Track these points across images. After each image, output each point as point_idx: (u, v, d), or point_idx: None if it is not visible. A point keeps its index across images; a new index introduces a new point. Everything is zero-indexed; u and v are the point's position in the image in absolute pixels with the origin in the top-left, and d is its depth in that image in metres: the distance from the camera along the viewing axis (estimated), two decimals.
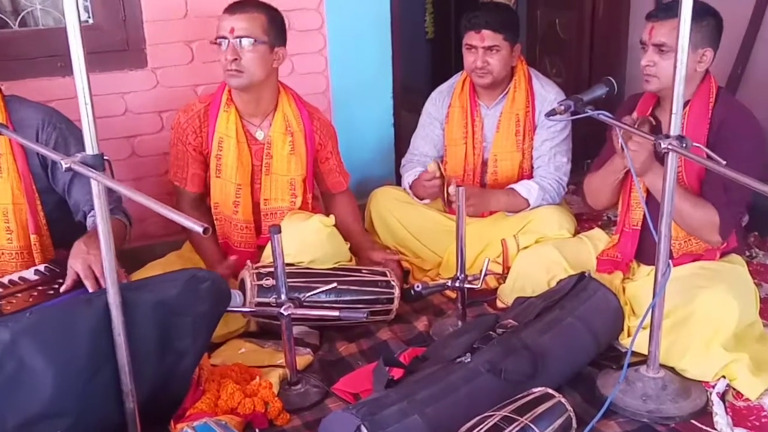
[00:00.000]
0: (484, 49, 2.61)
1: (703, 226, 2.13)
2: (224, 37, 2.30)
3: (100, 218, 1.60)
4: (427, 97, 2.96)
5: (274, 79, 2.45)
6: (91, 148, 1.56)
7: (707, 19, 2.12)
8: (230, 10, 2.33)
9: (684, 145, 1.75)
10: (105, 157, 1.57)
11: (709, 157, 1.77)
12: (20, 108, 2.12)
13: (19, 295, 1.90)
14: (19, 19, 2.72)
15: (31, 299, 1.87)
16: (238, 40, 2.28)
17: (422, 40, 5.45)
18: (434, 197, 2.74)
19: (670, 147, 1.75)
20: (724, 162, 1.70)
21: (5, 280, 1.99)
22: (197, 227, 1.34)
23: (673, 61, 2.08)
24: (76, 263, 1.86)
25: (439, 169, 2.62)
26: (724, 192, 2.11)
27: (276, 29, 2.36)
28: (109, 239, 1.62)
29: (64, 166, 1.54)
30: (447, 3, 5.28)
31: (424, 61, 5.48)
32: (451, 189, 2.58)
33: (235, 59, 2.29)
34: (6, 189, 2.09)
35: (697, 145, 1.84)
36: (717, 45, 2.18)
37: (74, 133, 2.11)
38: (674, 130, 1.78)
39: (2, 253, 2.13)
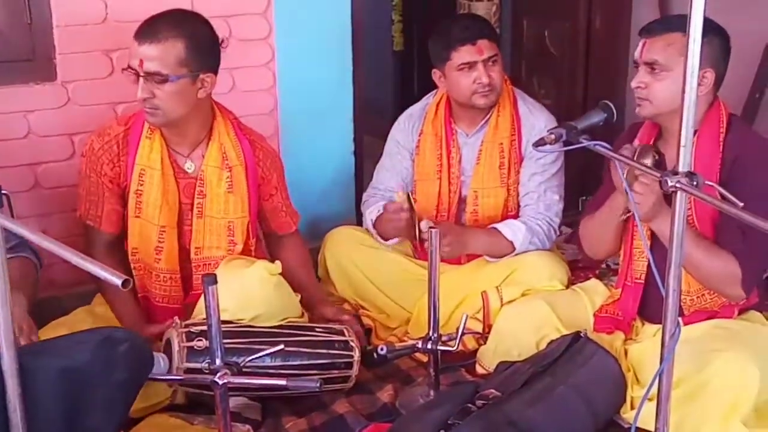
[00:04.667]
0: (484, 62, 2.65)
1: (722, 278, 2.17)
2: (134, 70, 2.27)
3: None
4: (394, 119, 3.00)
5: (205, 105, 2.42)
6: None
7: (709, 37, 2.17)
8: (140, 35, 2.26)
9: (695, 183, 1.78)
10: (3, 191, 1.55)
11: (723, 197, 1.81)
12: None
13: None
14: None
15: None
16: (148, 75, 2.24)
17: (389, 52, 5.52)
18: (402, 235, 2.74)
19: (678, 185, 1.78)
20: (741, 204, 1.74)
21: None
22: (115, 279, 1.33)
23: (665, 82, 2.17)
24: None
25: (409, 200, 2.63)
26: (744, 239, 2.15)
27: (199, 53, 2.30)
28: (5, 290, 1.58)
29: None
30: (418, 11, 5.38)
31: (390, 76, 5.55)
32: (423, 224, 2.59)
33: (148, 98, 2.26)
34: None
35: (710, 183, 1.87)
36: (722, 67, 2.25)
37: None
38: (683, 165, 1.81)
39: None
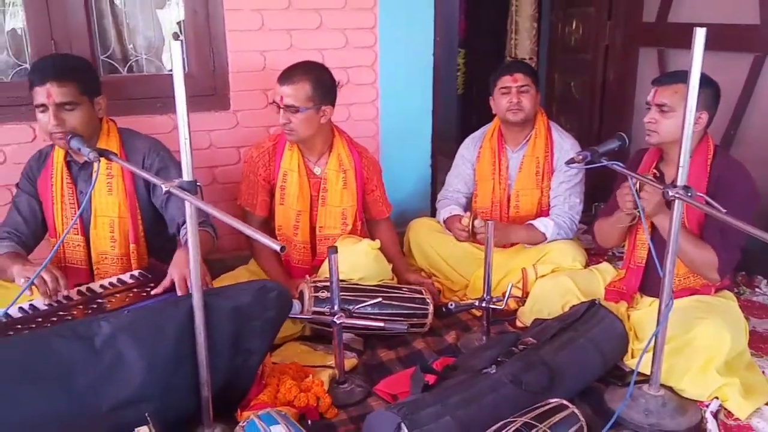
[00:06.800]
0: (517, 88, 2.61)
1: (704, 265, 2.09)
2: (277, 104, 2.30)
3: (190, 234, 1.61)
4: (457, 143, 2.96)
5: (326, 128, 2.42)
6: (187, 174, 1.57)
7: (704, 87, 2.09)
8: (281, 79, 2.29)
9: (689, 194, 1.71)
10: (197, 183, 1.58)
11: (709, 204, 1.73)
12: (131, 138, 2.17)
13: (118, 295, 1.92)
14: (127, 66, 2.78)
15: (127, 299, 1.88)
16: (286, 107, 2.28)
17: (455, 95, 5.48)
18: (465, 240, 2.69)
19: (677, 195, 1.71)
20: (725, 210, 1.66)
21: (106, 282, 2.02)
22: (275, 245, 1.34)
23: (671, 120, 2.10)
24: (175, 272, 1.87)
25: (472, 221, 2.58)
26: (721, 236, 2.06)
27: (322, 91, 2.30)
28: (197, 251, 1.62)
29: (164, 189, 1.56)
30: (475, 63, 5.33)
31: (455, 113, 5.52)
32: (477, 222, 2.56)
33: (286, 123, 2.29)
34: (114, 204, 2.12)
35: (700, 194, 1.79)
36: (713, 110, 2.15)
37: (172, 160, 2.15)
38: (681, 180, 1.74)
39: (105, 258, 2.15)
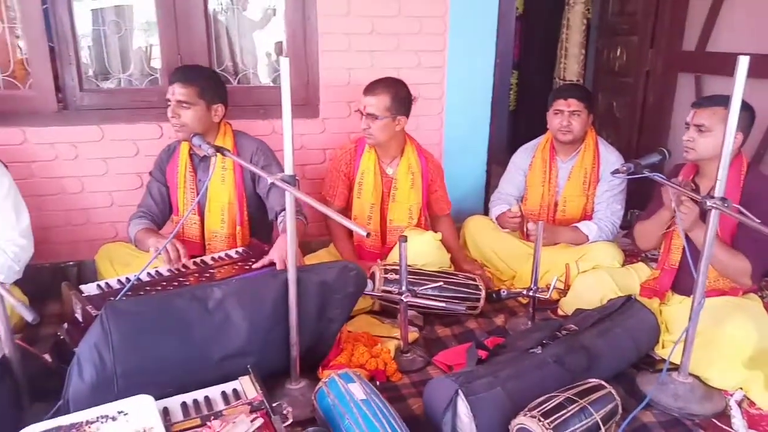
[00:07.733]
0: (569, 112, 2.54)
1: (737, 272, 2.00)
2: (360, 111, 2.34)
3: (289, 219, 1.65)
4: (508, 153, 2.92)
5: (400, 135, 2.43)
6: (288, 169, 1.62)
7: (741, 110, 1.99)
8: (366, 91, 2.34)
9: (726, 204, 1.64)
10: (296, 177, 1.62)
11: (743, 214, 1.65)
12: (243, 139, 2.25)
13: (226, 266, 1.99)
14: (237, 78, 2.88)
15: (233, 270, 1.95)
16: (368, 115, 2.31)
17: (506, 111, 5.39)
18: (514, 230, 2.68)
19: (714, 205, 1.65)
20: (759, 220, 1.58)
21: (216, 255, 2.10)
22: (362, 231, 1.37)
23: (708, 139, 2.02)
24: (276, 254, 1.93)
25: (520, 210, 2.58)
26: (754, 245, 1.97)
27: (398, 103, 2.32)
28: (294, 232, 1.67)
29: (269, 181, 1.61)
30: (526, 83, 5.23)
31: (507, 126, 5.42)
32: (530, 225, 2.53)
33: (366, 128, 2.32)
34: (226, 192, 2.21)
35: (736, 205, 1.71)
36: (748, 131, 2.05)
37: (274, 158, 2.22)
38: (718, 192, 1.67)
39: (216, 236, 2.24)
